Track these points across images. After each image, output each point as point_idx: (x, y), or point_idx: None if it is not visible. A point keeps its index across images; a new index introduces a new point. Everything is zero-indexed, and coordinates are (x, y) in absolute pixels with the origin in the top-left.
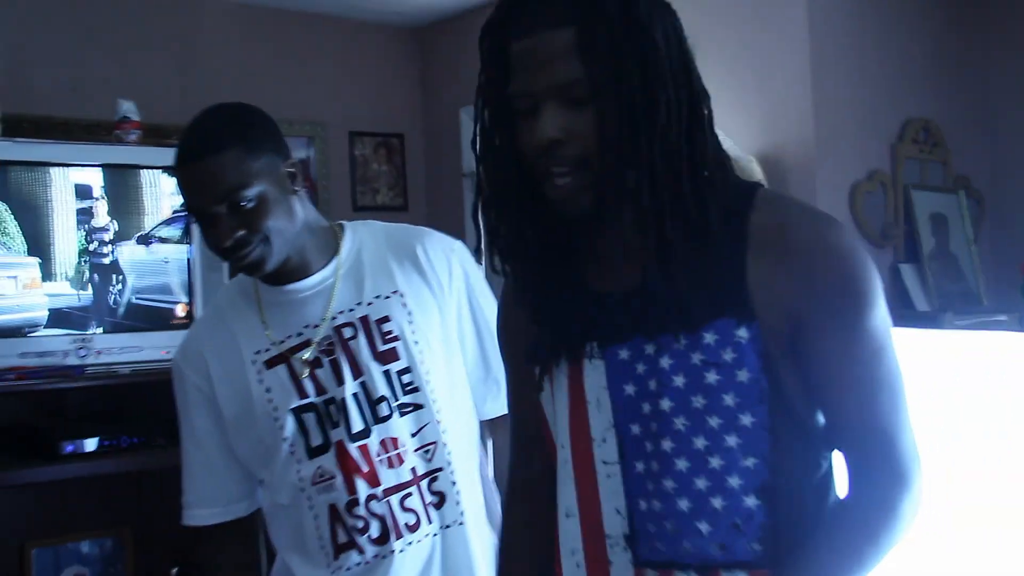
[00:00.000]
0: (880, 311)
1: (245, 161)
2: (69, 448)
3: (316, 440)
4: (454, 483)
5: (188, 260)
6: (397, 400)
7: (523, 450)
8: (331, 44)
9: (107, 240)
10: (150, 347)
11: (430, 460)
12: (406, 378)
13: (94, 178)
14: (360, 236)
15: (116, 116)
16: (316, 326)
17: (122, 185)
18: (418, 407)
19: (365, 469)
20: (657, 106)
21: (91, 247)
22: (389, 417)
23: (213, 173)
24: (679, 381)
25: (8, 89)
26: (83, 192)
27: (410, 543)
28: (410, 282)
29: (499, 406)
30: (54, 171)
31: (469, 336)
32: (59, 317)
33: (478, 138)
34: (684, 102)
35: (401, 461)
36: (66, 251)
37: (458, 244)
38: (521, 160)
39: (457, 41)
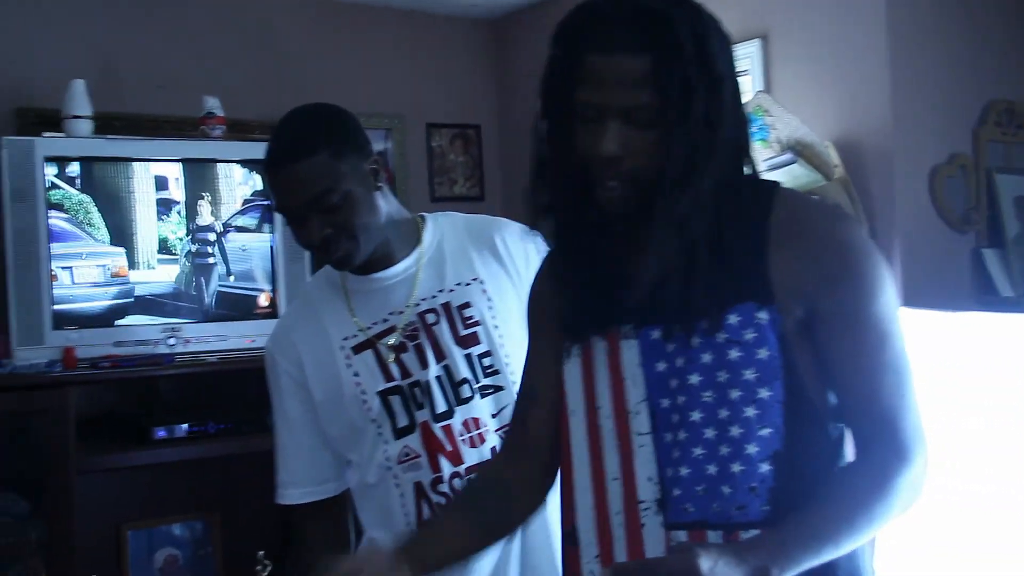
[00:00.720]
0: (884, 299)
1: (333, 164)
2: (161, 434)
3: (402, 421)
4: None
5: (271, 248)
6: (478, 382)
7: (522, 412)
8: (408, 37)
9: (210, 238)
10: (236, 336)
11: None
12: (487, 361)
13: (173, 171)
14: (441, 227)
15: (201, 112)
16: (400, 312)
17: (199, 178)
18: (498, 389)
19: (449, 448)
20: (716, 136)
21: (179, 238)
22: (471, 398)
23: (303, 177)
24: (706, 358)
25: (101, 89)
26: (163, 184)
27: None
28: (489, 270)
29: None
30: (137, 166)
31: None
32: (146, 304)
33: (538, 126)
34: (741, 130)
35: (482, 440)
36: (149, 241)
37: (536, 233)
38: (575, 158)
39: (533, 33)
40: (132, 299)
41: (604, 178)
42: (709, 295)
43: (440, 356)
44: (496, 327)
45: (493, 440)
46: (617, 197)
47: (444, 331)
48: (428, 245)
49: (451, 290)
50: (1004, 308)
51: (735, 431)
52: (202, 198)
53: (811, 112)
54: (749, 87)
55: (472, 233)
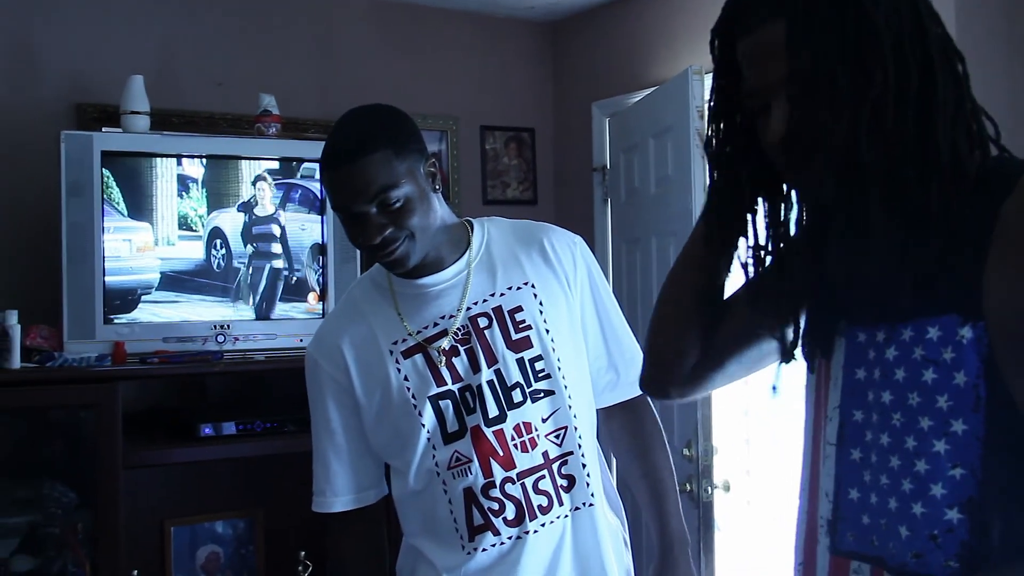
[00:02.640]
0: None
1: (393, 163)
2: (207, 431)
3: (453, 426)
4: (584, 466)
5: (322, 251)
6: (530, 387)
7: None
8: (463, 39)
9: (273, 230)
10: (285, 335)
11: (560, 444)
12: (539, 365)
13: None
14: (488, 231)
15: (257, 110)
16: (452, 317)
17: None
18: (550, 393)
19: (501, 453)
20: (870, 87)
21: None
22: (523, 403)
23: (363, 175)
24: (900, 374)
25: (159, 86)
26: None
27: (543, 524)
28: (539, 273)
29: (616, 395)
30: (187, 162)
31: (592, 326)
32: (197, 287)
33: (714, 141)
34: (913, 76)
35: (534, 445)
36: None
37: (579, 238)
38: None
39: (589, 36)
40: (182, 278)
41: (792, 165)
42: (912, 301)
43: (492, 360)
44: (547, 331)
45: (544, 445)
46: (813, 182)
47: (496, 335)
48: (477, 249)
49: (502, 294)
50: None
51: (921, 466)
52: (260, 191)
53: None
54: None
55: (520, 236)
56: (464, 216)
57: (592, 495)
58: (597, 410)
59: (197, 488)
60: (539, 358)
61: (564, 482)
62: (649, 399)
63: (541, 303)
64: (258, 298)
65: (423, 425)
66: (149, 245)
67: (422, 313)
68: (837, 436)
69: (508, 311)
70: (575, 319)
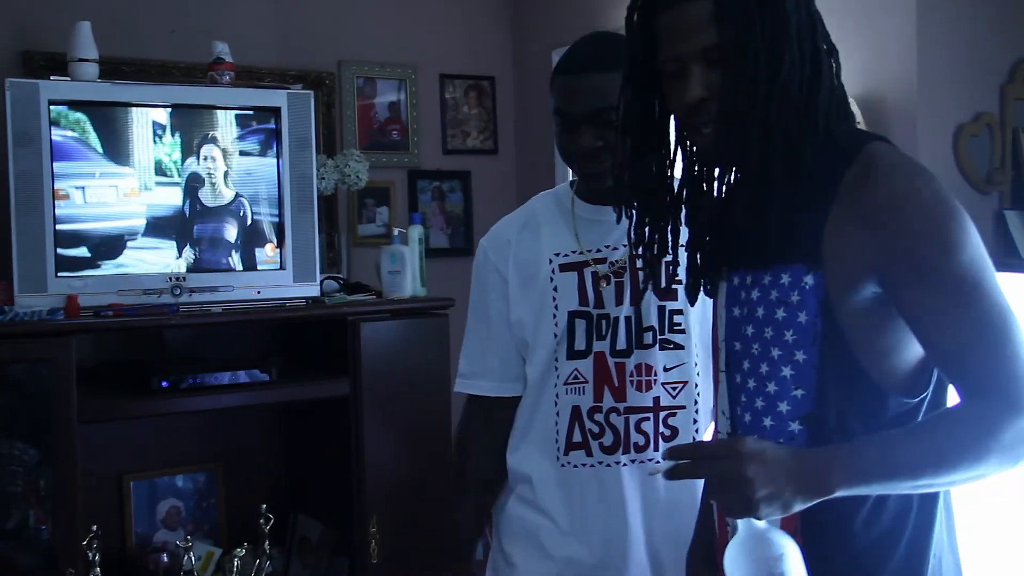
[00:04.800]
0: (964, 252)
1: (618, 84)
2: (163, 384)
3: (580, 345)
4: (695, 422)
5: (279, 200)
6: (663, 334)
7: None
8: None
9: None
10: (241, 286)
11: (675, 396)
12: (677, 319)
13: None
14: None
15: (211, 58)
16: (616, 248)
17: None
18: (678, 347)
19: (616, 384)
20: (781, 65)
21: (174, 160)
22: (651, 346)
23: (595, 88)
24: (760, 312)
25: (111, 33)
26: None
27: (633, 460)
28: None
29: None
30: (141, 111)
31: None
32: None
33: (624, 104)
34: (808, 60)
35: (649, 388)
36: (147, 164)
37: None
38: (663, 117)
39: None
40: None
41: (698, 125)
42: (765, 250)
43: (636, 299)
44: None
45: (658, 391)
46: (711, 142)
47: (671, 280)
48: None
49: None
50: None
51: (771, 387)
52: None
53: None
54: None
55: None
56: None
57: None
58: None
59: (156, 442)
60: (679, 312)
61: (667, 431)
62: None
63: None
64: (215, 249)
65: (555, 335)
66: (134, 191)
67: (592, 237)
68: (724, 363)
69: (666, 262)
70: None
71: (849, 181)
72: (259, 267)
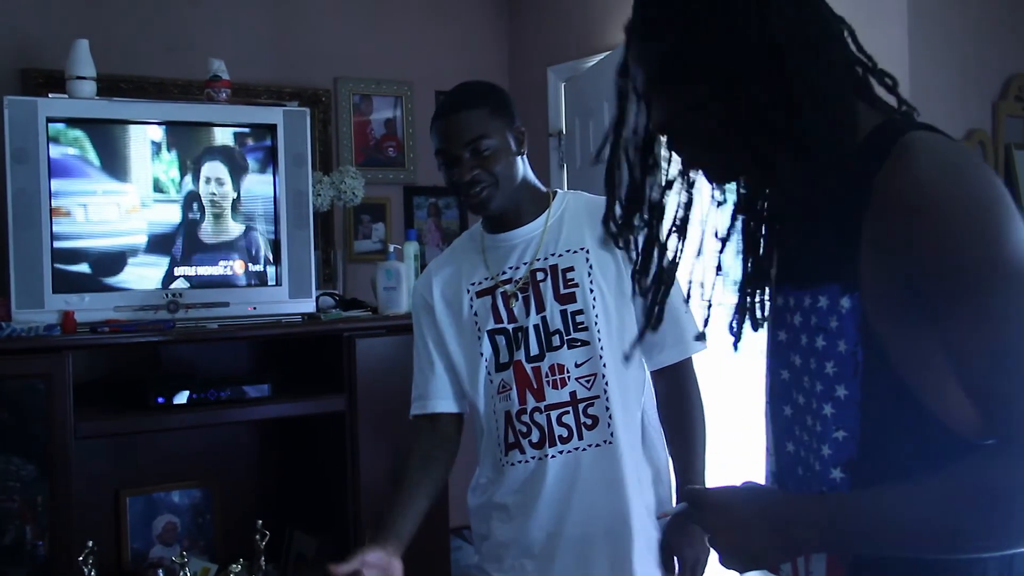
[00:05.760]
0: (997, 262)
1: (489, 118)
2: (160, 400)
3: (504, 358)
4: (607, 409)
5: (275, 216)
6: (568, 335)
7: None
8: (419, 3)
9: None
10: (238, 303)
11: (589, 388)
12: (579, 318)
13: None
14: (567, 200)
15: (207, 75)
16: (518, 268)
17: (197, 142)
18: (584, 343)
19: (535, 386)
20: (741, 85)
21: (171, 178)
22: (560, 347)
23: (464, 124)
24: (804, 340)
25: (109, 51)
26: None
27: (560, 452)
28: (597, 244)
29: (664, 358)
30: (139, 128)
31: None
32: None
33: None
34: (773, 80)
35: (564, 384)
36: (145, 183)
37: None
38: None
39: (546, 1)
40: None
41: (673, 150)
42: (806, 268)
43: (540, 308)
44: (591, 291)
45: (573, 386)
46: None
47: (548, 288)
48: (553, 213)
49: (561, 255)
50: None
51: (817, 427)
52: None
53: None
54: None
55: (591, 209)
56: (556, 189)
57: (612, 435)
58: (653, 372)
59: (152, 458)
60: (580, 312)
61: (588, 420)
62: (692, 367)
63: (591, 267)
64: (211, 266)
65: (482, 353)
66: (131, 208)
67: (499, 262)
68: (769, 394)
69: (562, 269)
70: (624, 287)
71: (881, 180)
72: (255, 283)
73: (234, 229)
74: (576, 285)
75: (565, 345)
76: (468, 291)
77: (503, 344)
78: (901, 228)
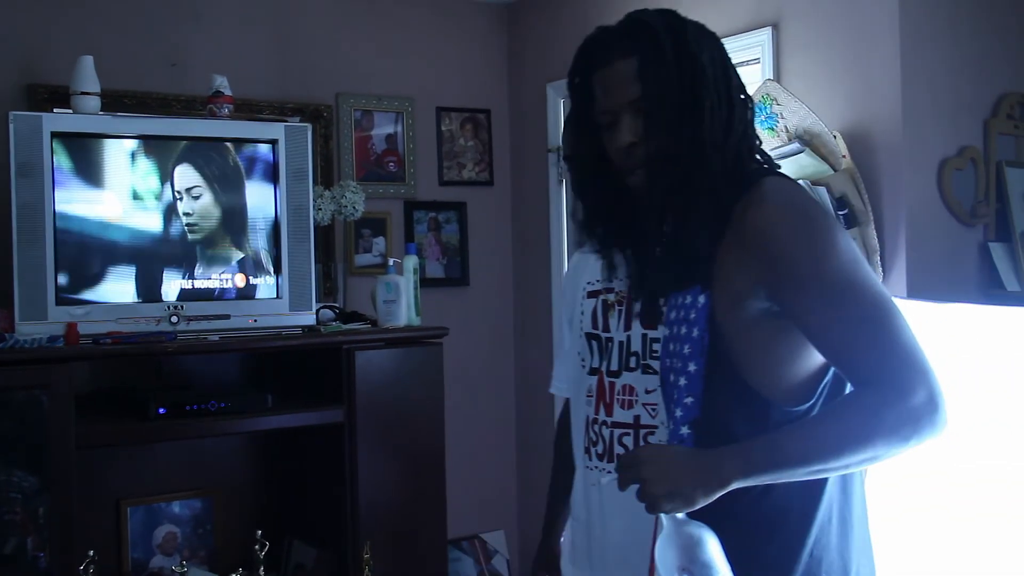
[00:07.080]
0: (836, 260)
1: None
2: (161, 411)
3: (594, 363)
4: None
5: (276, 230)
6: (644, 360)
7: None
8: (420, 20)
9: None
10: (239, 315)
11: (654, 417)
12: (656, 346)
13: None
14: None
15: (210, 91)
16: (623, 280)
17: (203, 156)
18: (656, 372)
19: (607, 400)
20: (702, 112)
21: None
22: (635, 370)
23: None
24: (674, 329)
25: (111, 67)
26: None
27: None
28: None
29: None
30: (142, 143)
31: None
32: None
33: (568, 146)
34: (723, 106)
35: (631, 407)
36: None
37: None
38: (605, 161)
39: (543, 16)
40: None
41: (629, 167)
42: (684, 274)
43: (627, 326)
44: None
45: (638, 410)
46: (642, 183)
47: (637, 308)
48: None
49: None
50: (1010, 302)
51: (674, 394)
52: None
53: (820, 101)
54: (758, 75)
55: None
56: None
57: None
58: None
59: (153, 468)
60: (659, 340)
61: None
62: None
63: None
64: (212, 279)
65: (579, 353)
66: (134, 221)
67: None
68: (660, 379)
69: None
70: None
71: (739, 210)
72: (256, 296)
73: (236, 242)
74: (662, 312)
75: (640, 369)
76: (583, 289)
77: (596, 349)
78: (757, 242)
